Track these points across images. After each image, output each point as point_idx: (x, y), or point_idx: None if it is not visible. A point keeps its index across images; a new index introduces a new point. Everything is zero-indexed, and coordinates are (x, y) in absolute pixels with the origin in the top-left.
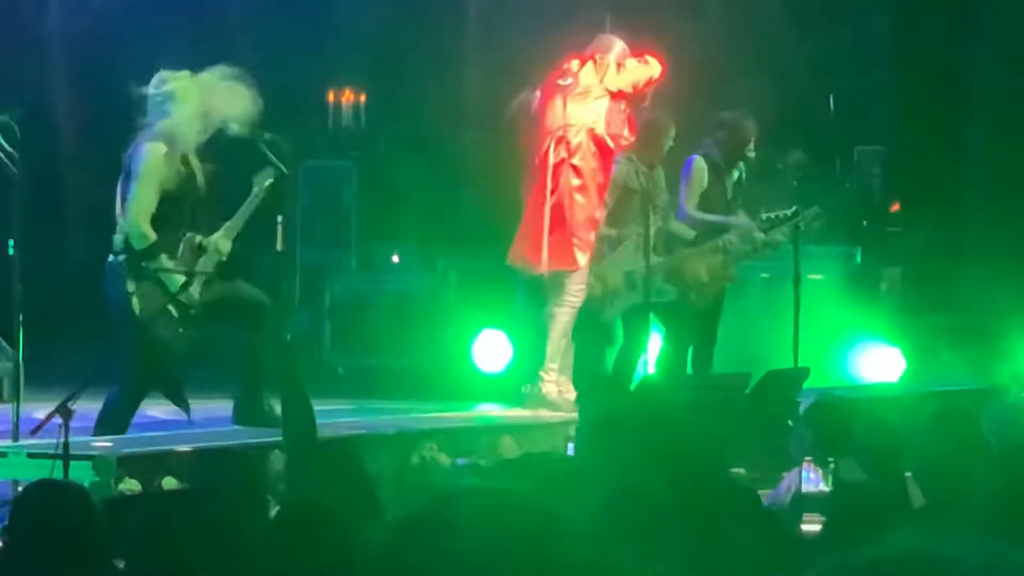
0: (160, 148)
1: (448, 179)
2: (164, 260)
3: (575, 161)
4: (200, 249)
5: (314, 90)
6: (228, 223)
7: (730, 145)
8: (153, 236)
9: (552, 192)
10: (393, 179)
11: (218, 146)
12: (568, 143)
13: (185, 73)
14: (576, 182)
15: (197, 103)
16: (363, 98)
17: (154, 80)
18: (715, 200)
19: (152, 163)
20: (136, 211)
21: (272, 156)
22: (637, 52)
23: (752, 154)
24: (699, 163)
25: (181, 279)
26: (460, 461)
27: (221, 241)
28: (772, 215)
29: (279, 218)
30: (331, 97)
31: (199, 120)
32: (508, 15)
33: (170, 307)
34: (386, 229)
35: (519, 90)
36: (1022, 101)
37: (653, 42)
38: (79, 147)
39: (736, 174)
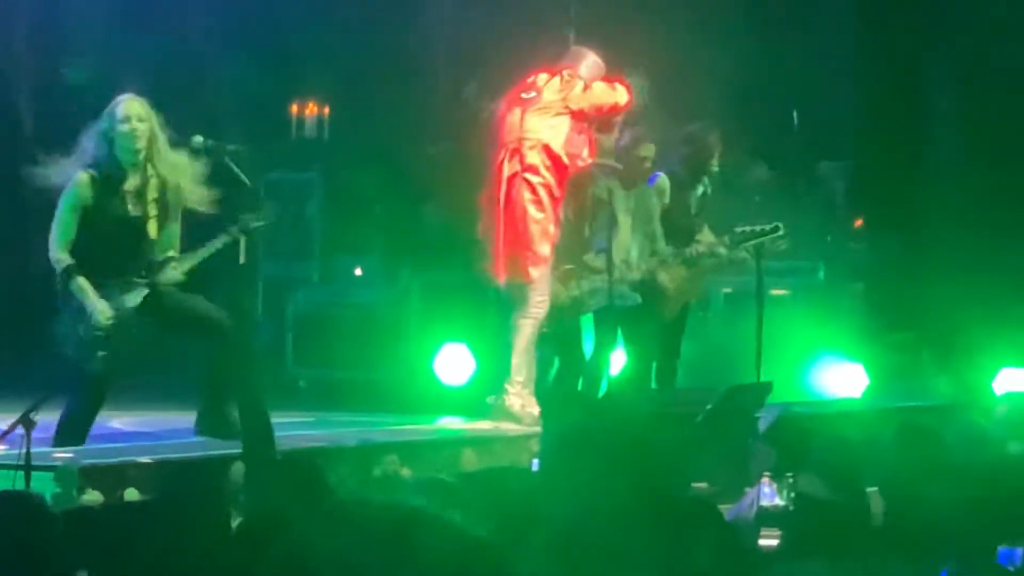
0: (85, 177)
1: (411, 192)
2: (81, 283)
3: (528, 175)
4: (145, 270)
5: (277, 102)
6: (189, 255)
7: (694, 160)
8: (67, 260)
9: (506, 205)
10: (356, 192)
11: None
12: (522, 157)
13: (139, 103)
14: (529, 196)
15: (144, 133)
16: (326, 111)
17: (113, 104)
18: (678, 216)
19: (74, 192)
20: (52, 238)
21: (236, 168)
22: (610, 77)
23: (716, 168)
24: (661, 182)
25: (102, 315)
26: None
27: (169, 271)
28: (746, 229)
29: (248, 236)
30: (294, 110)
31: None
32: (472, 28)
33: (81, 328)
34: (349, 242)
35: (483, 103)
36: (985, 118)
37: (617, 56)
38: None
39: (701, 188)
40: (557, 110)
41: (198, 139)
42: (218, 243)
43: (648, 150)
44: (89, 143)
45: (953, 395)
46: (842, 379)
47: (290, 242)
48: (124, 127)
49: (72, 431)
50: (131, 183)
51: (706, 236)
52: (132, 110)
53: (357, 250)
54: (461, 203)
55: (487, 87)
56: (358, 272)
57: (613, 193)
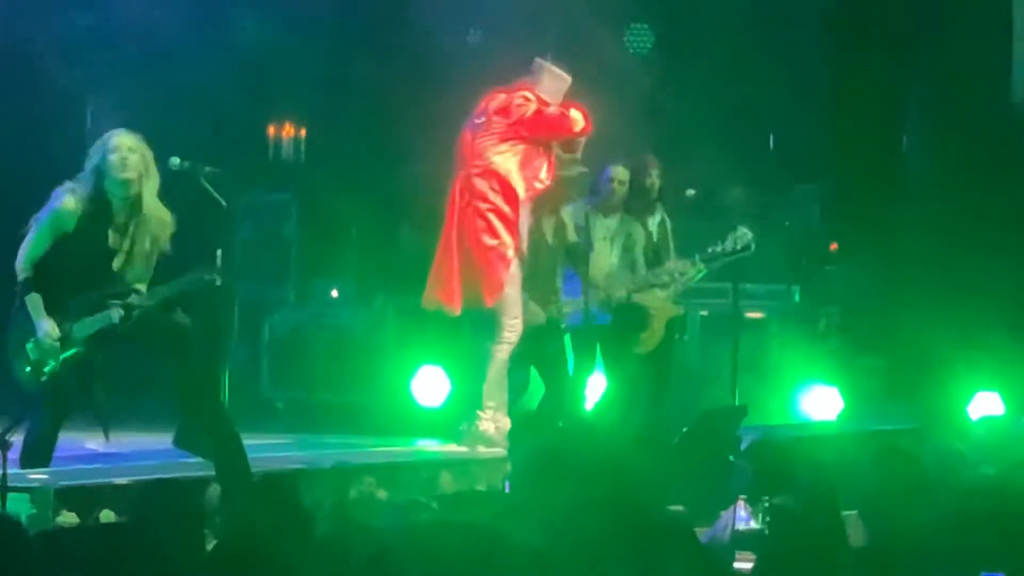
0: (72, 202)
1: (387, 214)
2: (35, 299)
3: (477, 203)
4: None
5: (254, 124)
6: (162, 287)
7: (636, 187)
8: (28, 273)
9: (458, 233)
10: (332, 214)
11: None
12: (472, 184)
13: (132, 136)
14: (480, 223)
15: (135, 164)
16: (303, 132)
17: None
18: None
19: (58, 214)
20: (22, 249)
21: (212, 190)
22: (568, 103)
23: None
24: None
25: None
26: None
27: (115, 310)
28: (717, 248)
29: (218, 251)
30: (271, 131)
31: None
32: (449, 51)
33: (28, 346)
34: (325, 264)
35: (458, 126)
36: (960, 142)
37: (591, 81)
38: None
39: (658, 216)
40: (507, 135)
41: (175, 160)
42: (187, 281)
43: (621, 174)
44: (83, 173)
45: (928, 418)
46: (818, 402)
47: (266, 264)
48: (114, 156)
49: (35, 451)
50: (115, 216)
51: (673, 264)
52: (124, 142)
53: (333, 272)
54: (437, 226)
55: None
56: (334, 294)
57: (590, 219)
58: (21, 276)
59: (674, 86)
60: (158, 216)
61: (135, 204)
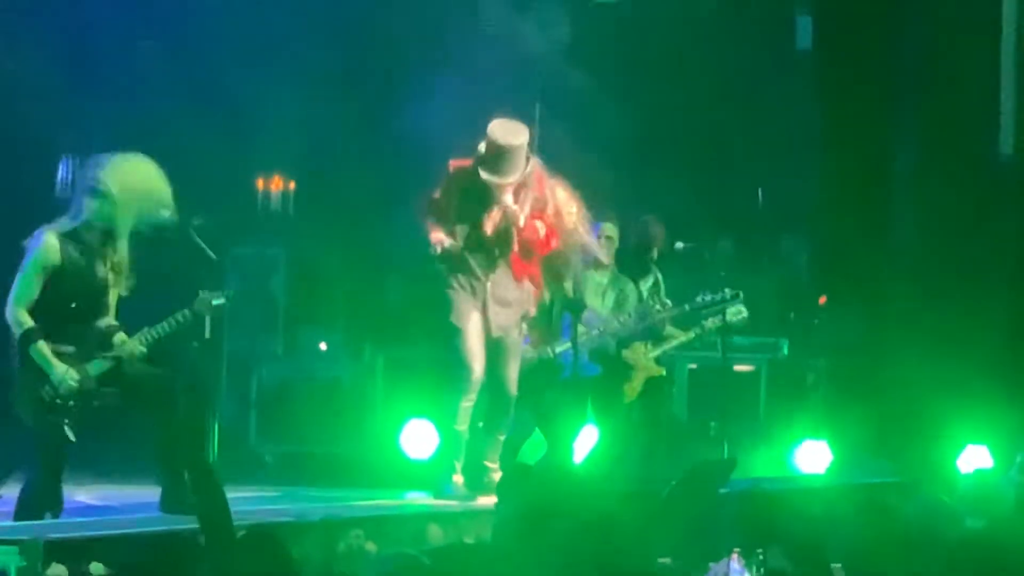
0: (53, 239)
1: (375, 267)
2: (42, 347)
3: None
4: (106, 338)
5: (243, 176)
6: (149, 329)
7: (639, 249)
8: (28, 323)
9: None
10: (320, 266)
11: (147, 231)
12: None
13: (111, 162)
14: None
15: (116, 194)
16: (292, 185)
17: (88, 166)
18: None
19: (42, 253)
20: (13, 298)
21: (201, 242)
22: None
23: (656, 257)
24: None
25: (67, 378)
26: None
27: (132, 343)
28: (707, 299)
29: (212, 313)
30: (260, 184)
31: (118, 210)
32: (437, 103)
33: (44, 392)
34: (313, 316)
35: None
36: (948, 194)
37: (580, 132)
38: None
39: (651, 279)
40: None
41: (164, 212)
42: (179, 318)
43: (611, 231)
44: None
45: (917, 471)
46: (807, 455)
47: (254, 316)
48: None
49: (37, 502)
50: (101, 245)
51: (661, 307)
52: (103, 176)
53: (321, 325)
54: (425, 279)
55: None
56: (323, 347)
57: (580, 274)
58: (22, 327)
59: (662, 138)
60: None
61: (117, 231)
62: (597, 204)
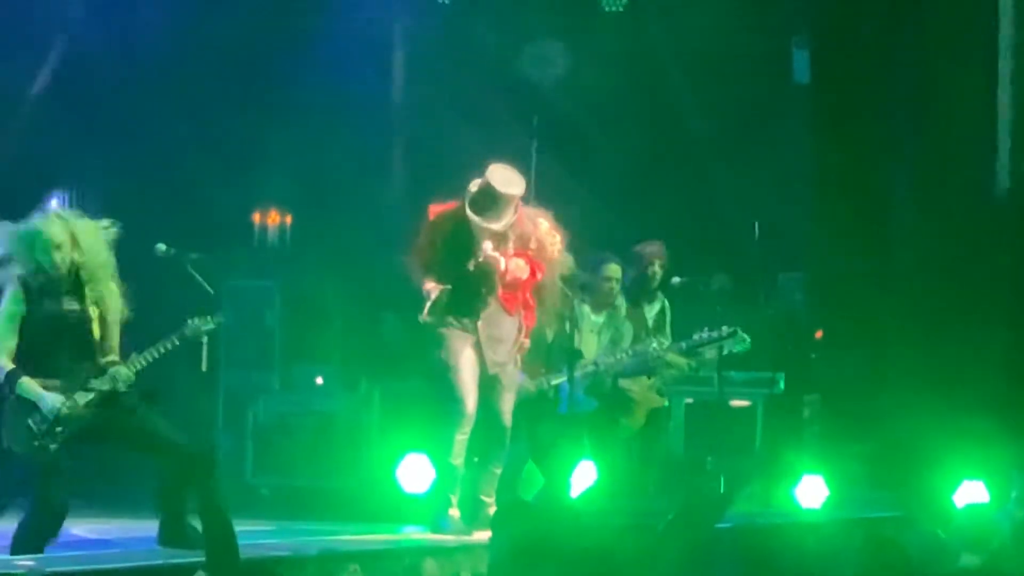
0: (19, 294)
1: (371, 301)
2: (27, 382)
3: None
4: (101, 372)
5: (240, 210)
6: (138, 355)
7: (641, 276)
8: (8, 366)
9: None
10: (317, 300)
11: (143, 265)
12: None
13: (53, 215)
14: None
15: (65, 245)
16: (288, 219)
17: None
18: (635, 332)
19: (10, 307)
20: None
21: (198, 276)
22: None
23: (658, 277)
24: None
25: (55, 402)
26: None
27: (122, 371)
28: (704, 335)
29: (203, 338)
30: (257, 218)
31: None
32: (434, 138)
33: (32, 420)
34: (309, 350)
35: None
36: (945, 230)
37: (577, 167)
38: None
39: (658, 305)
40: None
41: (161, 247)
42: (167, 344)
43: (614, 271)
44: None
45: (913, 506)
46: (803, 490)
47: (250, 350)
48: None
49: (35, 536)
50: (62, 283)
51: (670, 354)
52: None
53: (317, 359)
54: (421, 313)
55: None
56: (319, 381)
57: (577, 311)
58: (2, 373)
59: (659, 173)
60: (102, 269)
61: (75, 267)
62: (596, 242)
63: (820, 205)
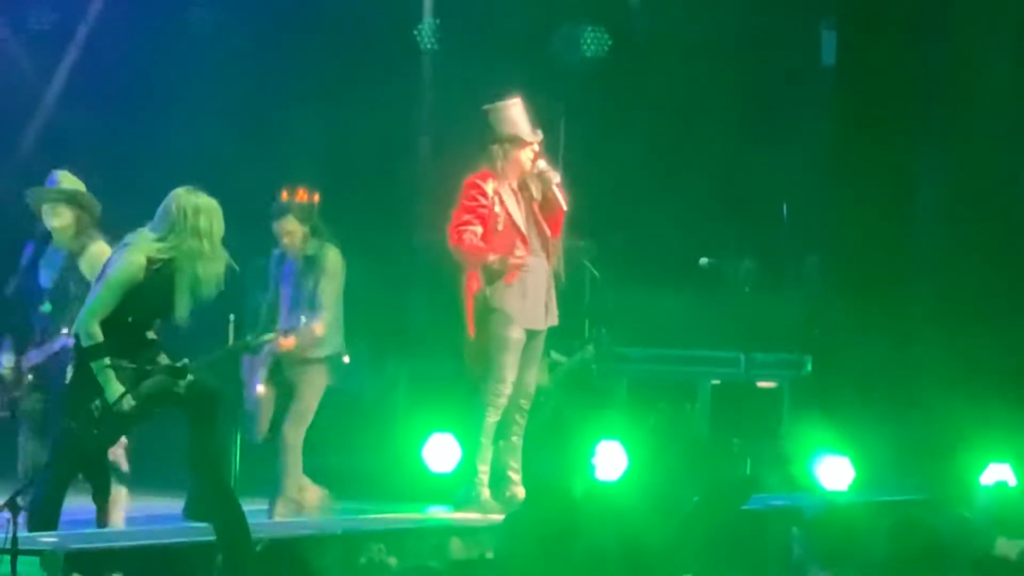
0: (142, 259)
1: (398, 281)
2: (106, 362)
3: None
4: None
5: (268, 187)
6: (206, 357)
7: None
8: (99, 338)
9: None
10: (344, 279)
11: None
12: None
13: (193, 192)
14: None
15: (196, 224)
16: (316, 198)
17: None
18: None
19: (126, 273)
20: (89, 312)
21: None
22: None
23: None
24: None
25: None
26: None
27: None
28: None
29: (231, 316)
30: (284, 195)
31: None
32: (460, 118)
33: (93, 406)
34: None
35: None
36: (972, 212)
37: (605, 149)
38: None
39: None
40: None
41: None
42: (226, 351)
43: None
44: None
45: (940, 489)
46: (829, 472)
47: None
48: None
49: (44, 514)
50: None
51: None
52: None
53: (345, 338)
54: (448, 292)
55: None
56: (345, 360)
57: None
58: (92, 340)
59: (686, 155)
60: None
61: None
62: (624, 224)
63: (848, 186)
